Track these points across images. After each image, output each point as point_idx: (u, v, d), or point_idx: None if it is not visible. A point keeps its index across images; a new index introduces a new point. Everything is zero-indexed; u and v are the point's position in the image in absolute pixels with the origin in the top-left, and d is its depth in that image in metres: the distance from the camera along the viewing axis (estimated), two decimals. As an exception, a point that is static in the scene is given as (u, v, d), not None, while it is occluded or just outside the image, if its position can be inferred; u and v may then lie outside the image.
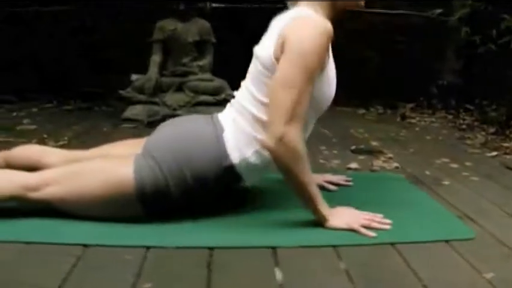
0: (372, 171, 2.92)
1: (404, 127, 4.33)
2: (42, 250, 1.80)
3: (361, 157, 3.18)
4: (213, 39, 4.58)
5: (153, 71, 4.41)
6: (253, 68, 2.13)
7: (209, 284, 1.57)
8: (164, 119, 3.95)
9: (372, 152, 3.31)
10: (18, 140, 3.50)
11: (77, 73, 5.43)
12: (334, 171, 2.70)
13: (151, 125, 4.05)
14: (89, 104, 5.03)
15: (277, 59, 1.97)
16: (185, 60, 4.49)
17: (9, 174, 2.11)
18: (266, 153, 2.03)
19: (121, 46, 5.36)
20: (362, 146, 3.47)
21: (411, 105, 5.26)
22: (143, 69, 4.61)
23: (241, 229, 2.00)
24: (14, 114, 4.60)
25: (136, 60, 5.07)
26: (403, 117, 4.76)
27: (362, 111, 5.09)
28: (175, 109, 4.15)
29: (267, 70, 2.02)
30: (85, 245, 1.82)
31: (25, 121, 4.28)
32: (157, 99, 4.33)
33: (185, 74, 4.45)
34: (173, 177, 2.00)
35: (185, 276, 1.63)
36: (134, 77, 4.80)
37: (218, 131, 2.08)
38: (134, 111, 4.31)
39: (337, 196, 2.17)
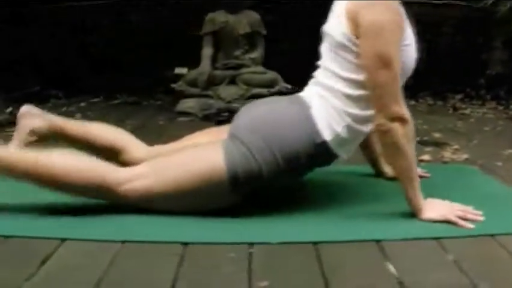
0: (444, 163, 2.88)
1: (458, 118, 4.27)
2: (139, 249, 1.77)
3: (427, 149, 3.13)
4: (264, 31, 4.53)
5: (206, 64, 4.37)
6: (327, 47, 2.10)
7: (326, 279, 1.54)
8: (219, 112, 3.96)
9: (438, 144, 3.26)
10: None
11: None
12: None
13: (206, 118, 4.04)
14: (136, 99, 5.01)
15: (354, 34, 1.96)
16: (237, 53, 4.45)
17: (96, 164, 2.05)
18: (357, 126, 2.04)
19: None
20: (426, 138, 3.43)
21: (459, 96, 5.19)
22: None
23: (342, 222, 1.98)
24: (64, 109, 4.58)
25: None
26: (455, 108, 4.70)
27: (412, 102, 5.02)
28: (229, 102, 4.12)
29: (343, 46, 2.00)
30: (184, 243, 1.78)
31: (77, 116, 4.27)
32: (210, 93, 4.30)
33: (237, 67, 4.42)
34: (266, 162, 1.98)
35: (299, 272, 1.61)
36: (178, 70, 4.78)
37: (305, 109, 2.05)
38: (187, 104, 4.28)
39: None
